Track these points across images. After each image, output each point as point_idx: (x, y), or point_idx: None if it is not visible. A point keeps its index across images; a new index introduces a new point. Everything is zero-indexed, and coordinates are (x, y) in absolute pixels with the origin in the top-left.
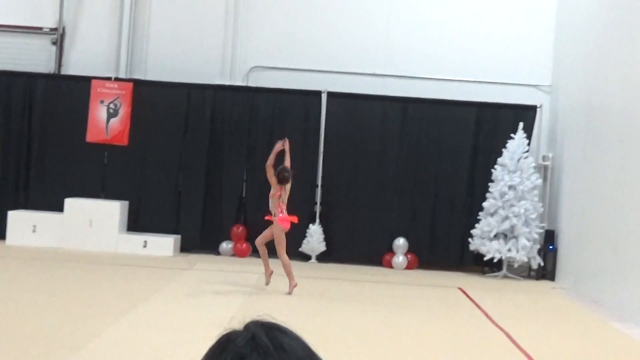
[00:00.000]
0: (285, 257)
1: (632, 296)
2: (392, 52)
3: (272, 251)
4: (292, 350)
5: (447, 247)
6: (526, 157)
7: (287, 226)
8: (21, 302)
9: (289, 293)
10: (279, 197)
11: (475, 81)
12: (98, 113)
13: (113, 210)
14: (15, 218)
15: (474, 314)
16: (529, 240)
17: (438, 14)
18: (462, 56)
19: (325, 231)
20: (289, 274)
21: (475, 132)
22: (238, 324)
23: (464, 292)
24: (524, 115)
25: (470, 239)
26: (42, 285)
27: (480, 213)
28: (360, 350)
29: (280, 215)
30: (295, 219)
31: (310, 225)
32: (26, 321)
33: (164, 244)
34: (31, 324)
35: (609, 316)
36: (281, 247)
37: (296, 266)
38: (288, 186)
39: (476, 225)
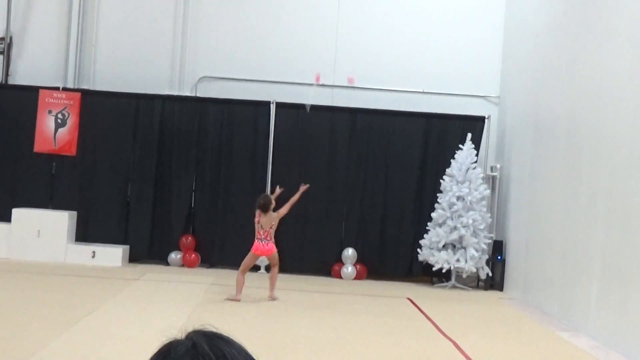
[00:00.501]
0: (241, 274)
1: (578, 306)
2: (341, 63)
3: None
4: (233, 359)
5: (396, 258)
6: (474, 168)
7: (256, 252)
8: None
9: (229, 299)
10: (257, 223)
11: (423, 92)
12: (46, 123)
13: (61, 221)
14: None
15: (422, 324)
16: (477, 250)
17: (387, 25)
18: (411, 67)
19: (275, 241)
20: (237, 287)
21: (424, 143)
22: (180, 334)
23: (413, 303)
24: (472, 126)
25: (419, 250)
26: None
27: (429, 223)
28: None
29: (256, 241)
30: (269, 252)
31: None
32: None
33: (113, 254)
34: None
35: (556, 325)
36: (243, 265)
37: (246, 276)
38: (270, 215)
39: (425, 235)
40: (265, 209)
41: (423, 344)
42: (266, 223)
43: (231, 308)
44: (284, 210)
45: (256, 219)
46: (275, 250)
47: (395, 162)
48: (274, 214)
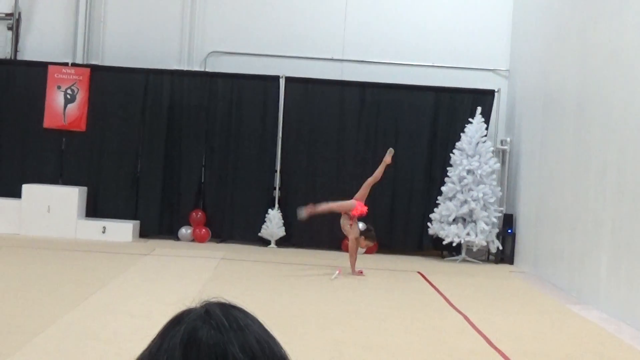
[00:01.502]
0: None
1: (588, 279)
2: (350, 37)
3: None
4: (248, 328)
5: (406, 232)
6: (484, 142)
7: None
8: None
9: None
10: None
11: (433, 66)
12: (55, 99)
13: (71, 196)
14: None
15: (433, 297)
16: (487, 224)
17: None
18: (420, 41)
19: (284, 216)
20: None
21: (434, 117)
22: (195, 304)
23: (423, 276)
24: (482, 99)
25: (429, 224)
26: (0, 271)
27: (439, 197)
28: (319, 334)
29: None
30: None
31: (269, 210)
32: None
33: (123, 230)
34: None
35: (566, 299)
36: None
37: (255, 251)
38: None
39: (435, 209)
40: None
41: (434, 318)
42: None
43: (242, 282)
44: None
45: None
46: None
47: (405, 136)
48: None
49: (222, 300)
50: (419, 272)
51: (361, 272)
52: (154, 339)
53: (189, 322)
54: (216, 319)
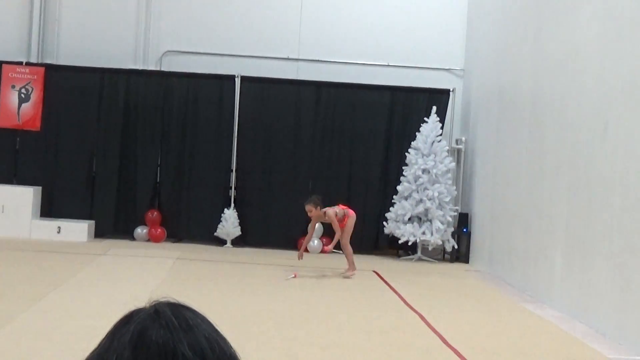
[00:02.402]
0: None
1: (542, 277)
2: (306, 36)
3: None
4: (197, 327)
5: (362, 231)
6: (440, 141)
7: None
8: None
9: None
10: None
11: (389, 65)
12: (9, 98)
13: (26, 196)
14: None
15: (389, 296)
16: (443, 223)
17: None
18: (376, 40)
19: (240, 215)
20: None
21: (389, 116)
22: (144, 304)
23: (379, 275)
24: (437, 99)
25: (385, 223)
26: None
27: (394, 196)
28: (274, 334)
29: None
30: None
31: (225, 209)
32: None
33: (78, 230)
34: None
35: (521, 297)
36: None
37: (211, 250)
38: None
39: (390, 208)
40: (316, 205)
41: (389, 317)
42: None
43: (196, 283)
44: (335, 225)
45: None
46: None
47: (360, 135)
48: (329, 211)
49: (172, 300)
50: (374, 271)
51: (296, 275)
52: (103, 339)
53: (138, 321)
54: (165, 318)
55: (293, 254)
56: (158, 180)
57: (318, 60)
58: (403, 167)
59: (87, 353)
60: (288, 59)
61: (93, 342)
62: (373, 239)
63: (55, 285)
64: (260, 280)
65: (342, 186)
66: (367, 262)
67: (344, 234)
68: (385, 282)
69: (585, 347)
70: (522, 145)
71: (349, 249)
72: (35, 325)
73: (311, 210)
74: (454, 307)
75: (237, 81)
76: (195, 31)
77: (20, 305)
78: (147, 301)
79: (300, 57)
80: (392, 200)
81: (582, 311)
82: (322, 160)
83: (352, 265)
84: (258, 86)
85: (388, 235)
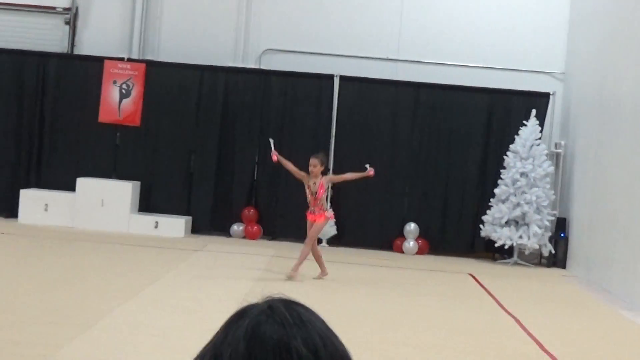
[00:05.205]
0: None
1: None
2: (405, 37)
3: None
4: (311, 323)
5: (458, 233)
6: (538, 145)
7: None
8: (32, 280)
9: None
10: (307, 188)
11: (488, 67)
12: (110, 93)
13: (125, 191)
14: (28, 197)
15: (484, 299)
16: (540, 227)
17: None
18: (476, 42)
19: (336, 215)
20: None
21: (488, 118)
22: (256, 300)
23: (475, 278)
24: (537, 102)
25: (481, 225)
26: (53, 263)
27: (491, 199)
28: (370, 335)
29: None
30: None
31: None
32: (37, 299)
33: (175, 225)
34: (42, 302)
35: (619, 304)
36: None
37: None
38: (319, 176)
39: (487, 211)
40: (322, 163)
41: (485, 320)
42: (314, 185)
43: (291, 281)
44: (337, 178)
45: (307, 184)
46: (321, 220)
47: (458, 137)
48: (326, 177)
49: (285, 297)
50: (470, 274)
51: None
52: (217, 332)
53: (252, 316)
54: (279, 314)
55: (389, 254)
56: (255, 178)
57: (417, 61)
58: (501, 170)
59: (183, 347)
60: (387, 59)
61: (189, 336)
62: (469, 242)
63: (152, 279)
64: (356, 281)
65: (438, 188)
66: (462, 265)
67: (315, 232)
68: (481, 285)
69: None
70: (622, 149)
71: (317, 251)
72: (133, 318)
73: (316, 165)
74: (550, 312)
75: (336, 81)
76: (295, 30)
77: (118, 299)
78: (258, 297)
79: (400, 58)
80: (489, 203)
81: None
82: (419, 161)
83: (298, 265)
84: (356, 86)
85: (484, 238)
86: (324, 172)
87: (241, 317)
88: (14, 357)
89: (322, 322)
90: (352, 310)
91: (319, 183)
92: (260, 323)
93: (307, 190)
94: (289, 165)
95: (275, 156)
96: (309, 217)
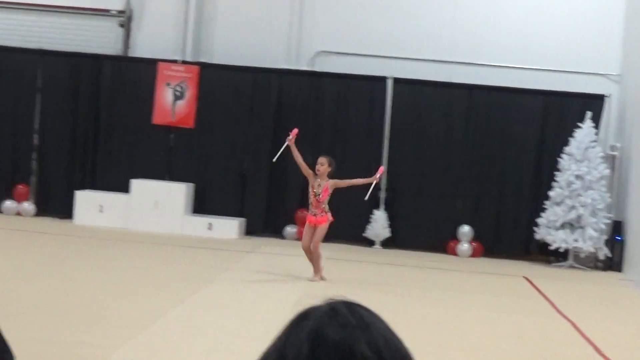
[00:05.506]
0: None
1: None
2: (458, 39)
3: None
4: (374, 325)
5: (512, 236)
6: (594, 147)
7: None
8: (87, 281)
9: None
10: (311, 189)
11: (542, 69)
12: (164, 95)
13: (178, 192)
14: (83, 198)
15: (539, 303)
16: (596, 230)
17: (504, 0)
18: (529, 43)
19: (389, 217)
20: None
21: (542, 121)
22: (317, 302)
23: (530, 281)
24: (592, 104)
25: (535, 228)
26: (108, 265)
27: (546, 202)
28: (423, 338)
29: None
30: (317, 223)
31: (375, 210)
32: (92, 300)
33: (229, 227)
34: (97, 303)
35: None
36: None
37: (360, 251)
38: (325, 178)
39: (542, 214)
40: (330, 164)
41: (540, 323)
42: (319, 187)
43: (345, 282)
44: (343, 183)
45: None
46: (323, 223)
47: (512, 139)
48: (332, 181)
49: (347, 299)
50: (525, 277)
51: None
52: (280, 334)
53: (315, 318)
54: (342, 316)
55: (442, 256)
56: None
57: (471, 63)
58: (555, 173)
59: (239, 350)
60: (440, 61)
61: (245, 338)
62: (524, 244)
63: (206, 281)
64: (410, 283)
65: (492, 190)
66: (517, 268)
67: (320, 236)
68: (537, 288)
69: None
70: None
71: (319, 252)
72: (188, 320)
73: (324, 164)
74: (606, 316)
75: (389, 83)
76: (348, 32)
77: (173, 300)
78: (320, 299)
79: (453, 60)
80: (544, 206)
81: None
82: (473, 163)
83: (318, 269)
84: (410, 88)
85: (539, 240)
86: (330, 177)
87: (304, 319)
88: (71, 358)
89: (384, 323)
90: (404, 313)
91: (324, 185)
92: (324, 325)
93: (311, 191)
94: (299, 158)
95: (292, 139)
96: (309, 220)
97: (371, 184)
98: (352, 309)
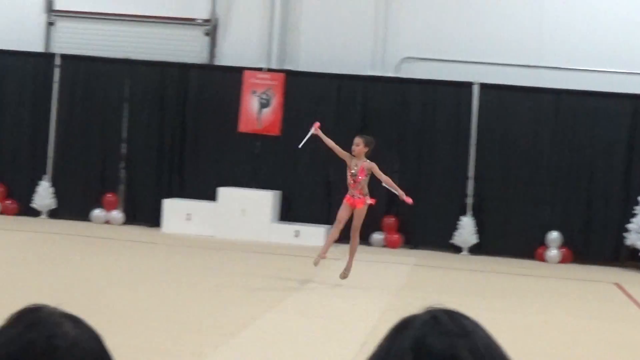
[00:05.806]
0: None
1: None
2: (545, 43)
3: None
4: (475, 333)
5: (602, 241)
6: None
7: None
8: (176, 288)
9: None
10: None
11: (631, 72)
12: (250, 103)
13: (265, 200)
14: (171, 206)
15: (632, 310)
16: None
17: (593, 4)
18: (617, 46)
19: (477, 223)
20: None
21: (632, 125)
22: (418, 311)
23: (621, 288)
24: None
25: (626, 234)
26: (197, 272)
27: (636, 207)
28: (511, 345)
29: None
30: (356, 205)
31: (462, 217)
32: (181, 307)
33: (316, 234)
34: (186, 310)
35: None
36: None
37: (448, 258)
38: (363, 159)
39: (632, 219)
40: (367, 145)
41: (633, 332)
42: (356, 167)
43: (434, 290)
44: (378, 173)
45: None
46: (360, 205)
47: (601, 144)
48: (371, 164)
49: (447, 307)
50: (616, 284)
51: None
52: (380, 344)
53: (417, 327)
54: (444, 324)
55: (531, 263)
56: None
57: (558, 68)
58: None
59: (327, 356)
60: (527, 66)
61: (336, 346)
62: (614, 250)
63: (294, 288)
64: (500, 290)
65: (581, 196)
66: (608, 274)
67: (358, 221)
68: (629, 295)
69: None
70: None
71: (357, 240)
72: (278, 327)
73: (359, 144)
74: None
75: (475, 88)
76: (433, 37)
77: (260, 307)
78: (421, 308)
79: (540, 64)
80: (634, 211)
81: None
82: (561, 168)
83: (351, 263)
84: (496, 93)
85: (630, 247)
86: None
87: (405, 328)
88: None
89: (485, 331)
90: (492, 319)
91: (360, 165)
92: (426, 334)
93: (348, 173)
94: (330, 142)
95: (317, 129)
96: (348, 200)
97: (397, 193)
98: (452, 317)
